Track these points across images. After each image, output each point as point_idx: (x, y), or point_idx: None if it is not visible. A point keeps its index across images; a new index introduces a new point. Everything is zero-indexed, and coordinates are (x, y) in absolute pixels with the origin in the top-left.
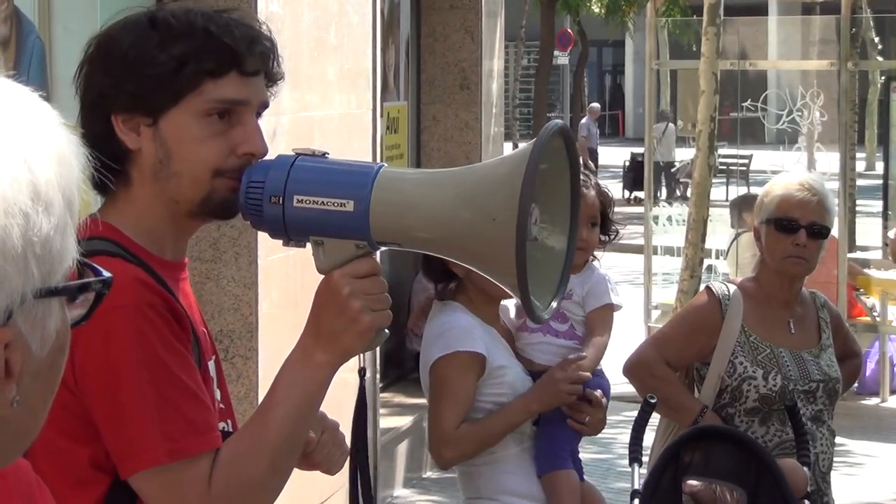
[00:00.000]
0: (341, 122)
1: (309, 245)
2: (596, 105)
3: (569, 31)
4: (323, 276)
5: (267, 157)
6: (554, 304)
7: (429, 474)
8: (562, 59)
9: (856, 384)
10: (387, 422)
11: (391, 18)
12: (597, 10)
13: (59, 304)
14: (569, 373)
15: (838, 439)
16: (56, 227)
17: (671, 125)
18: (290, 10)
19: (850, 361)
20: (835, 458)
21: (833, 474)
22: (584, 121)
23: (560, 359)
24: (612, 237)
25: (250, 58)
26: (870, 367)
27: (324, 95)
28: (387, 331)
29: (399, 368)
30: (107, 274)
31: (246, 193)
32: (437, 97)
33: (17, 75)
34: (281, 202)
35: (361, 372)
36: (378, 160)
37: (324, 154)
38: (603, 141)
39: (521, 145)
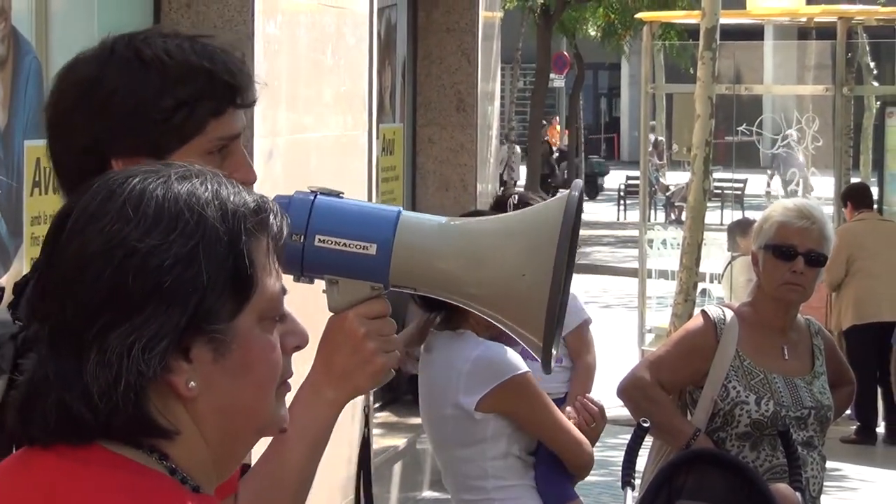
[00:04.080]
0: (337, 144)
1: (318, 282)
2: None
3: (565, 53)
4: (332, 315)
5: (281, 194)
6: (555, 352)
7: (425, 495)
8: (557, 81)
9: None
10: (381, 442)
11: (388, 40)
12: (593, 34)
13: None
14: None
15: (833, 464)
16: None
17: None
18: (287, 32)
19: (844, 389)
20: (830, 483)
21: (829, 499)
22: None
23: (553, 383)
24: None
25: (247, 91)
26: None
27: (320, 117)
28: (393, 370)
29: (393, 390)
30: None
31: None
32: (433, 119)
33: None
34: (302, 240)
35: (366, 410)
36: (373, 182)
37: (339, 194)
38: (599, 164)
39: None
